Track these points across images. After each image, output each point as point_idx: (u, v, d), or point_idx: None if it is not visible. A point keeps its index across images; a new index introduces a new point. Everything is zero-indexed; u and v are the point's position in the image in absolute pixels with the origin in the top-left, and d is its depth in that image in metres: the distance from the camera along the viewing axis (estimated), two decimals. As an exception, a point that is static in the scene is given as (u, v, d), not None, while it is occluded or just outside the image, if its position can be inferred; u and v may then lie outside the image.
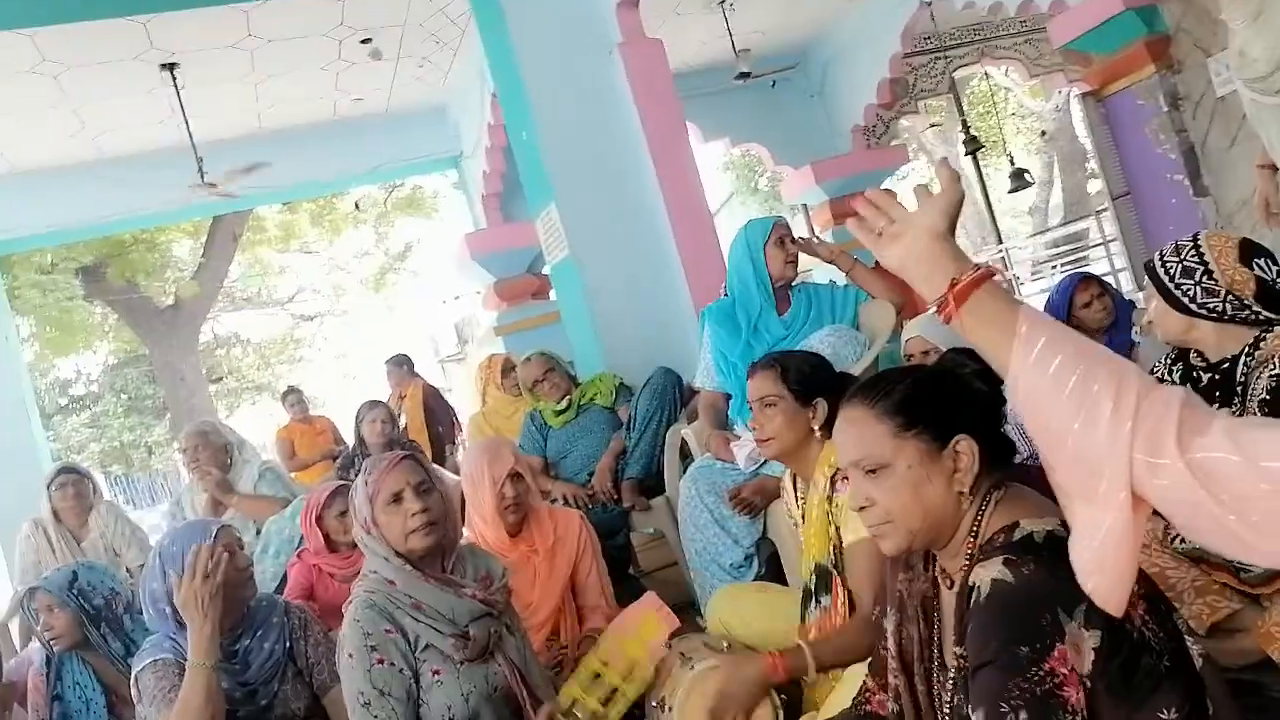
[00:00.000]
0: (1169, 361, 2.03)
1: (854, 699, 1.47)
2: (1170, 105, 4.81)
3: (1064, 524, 1.02)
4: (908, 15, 7.06)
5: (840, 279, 3.19)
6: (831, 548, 1.88)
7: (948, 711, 1.20)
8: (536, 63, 4.54)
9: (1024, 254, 13.61)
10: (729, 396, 3.04)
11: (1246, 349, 1.83)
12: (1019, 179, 10.97)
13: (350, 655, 1.77)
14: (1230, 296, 1.82)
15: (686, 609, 2.80)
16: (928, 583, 1.27)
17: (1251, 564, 1.69)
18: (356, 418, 4.47)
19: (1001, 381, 1.09)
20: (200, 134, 5.81)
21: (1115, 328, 3.23)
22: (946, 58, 8.51)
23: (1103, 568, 0.93)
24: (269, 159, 6.28)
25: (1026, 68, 8.59)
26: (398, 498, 1.88)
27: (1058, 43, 5.32)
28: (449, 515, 1.95)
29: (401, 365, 6.40)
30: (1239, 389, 1.84)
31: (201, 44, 5.16)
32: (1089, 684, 0.97)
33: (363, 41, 5.63)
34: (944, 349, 2.62)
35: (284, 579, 3.03)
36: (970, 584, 1.10)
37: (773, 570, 2.66)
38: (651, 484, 3.51)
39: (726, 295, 3.14)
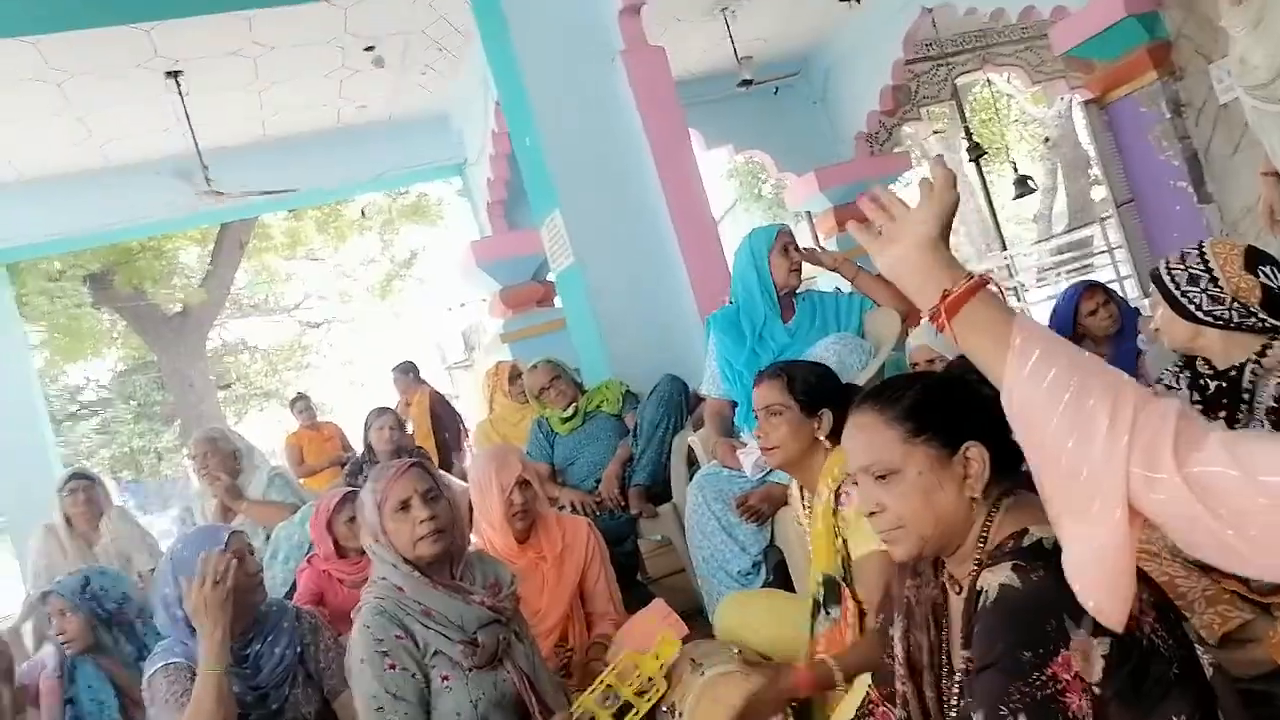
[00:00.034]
0: (1176, 369, 2.04)
1: (857, 710, 1.47)
2: (1173, 112, 4.82)
3: None
4: (909, 22, 7.08)
5: (845, 286, 3.20)
6: (839, 559, 1.89)
7: (954, 716, 1.21)
8: (539, 70, 4.56)
9: (1028, 261, 13.59)
10: (735, 404, 3.05)
11: (1253, 356, 1.84)
12: (1022, 185, 10.97)
13: (362, 660, 1.79)
14: (1236, 304, 1.82)
15: (694, 615, 2.81)
16: (937, 589, 1.28)
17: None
18: (365, 424, 4.49)
19: None
20: (205, 141, 5.84)
21: (1121, 335, 3.23)
22: (948, 64, 8.52)
23: (1101, 586, 0.92)
24: (274, 167, 6.31)
25: (1029, 74, 8.60)
26: (405, 505, 1.90)
27: (1060, 49, 5.33)
28: (457, 522, 1.97)
29: (408, 373, 6.42)
30: (1246, 396, 1.85)
31: (205, 51, 5.19)
32: (1098, 691, 0.98)
33: (366, 49, 5.65)
34: (950, 357, 2.64)
35: (293, 584, 3.04)
36: (978, 589, 1.10)
37: (780, 577, 2.67)
38: (658, 491, 3.52)
39: (731, 303, 3.15)
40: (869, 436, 1.23)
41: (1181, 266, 1.89)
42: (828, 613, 1.93)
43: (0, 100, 5.13)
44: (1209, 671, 1.05)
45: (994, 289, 1.03)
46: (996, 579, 1.07)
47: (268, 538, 3.38)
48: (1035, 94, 10.17)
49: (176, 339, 12.03)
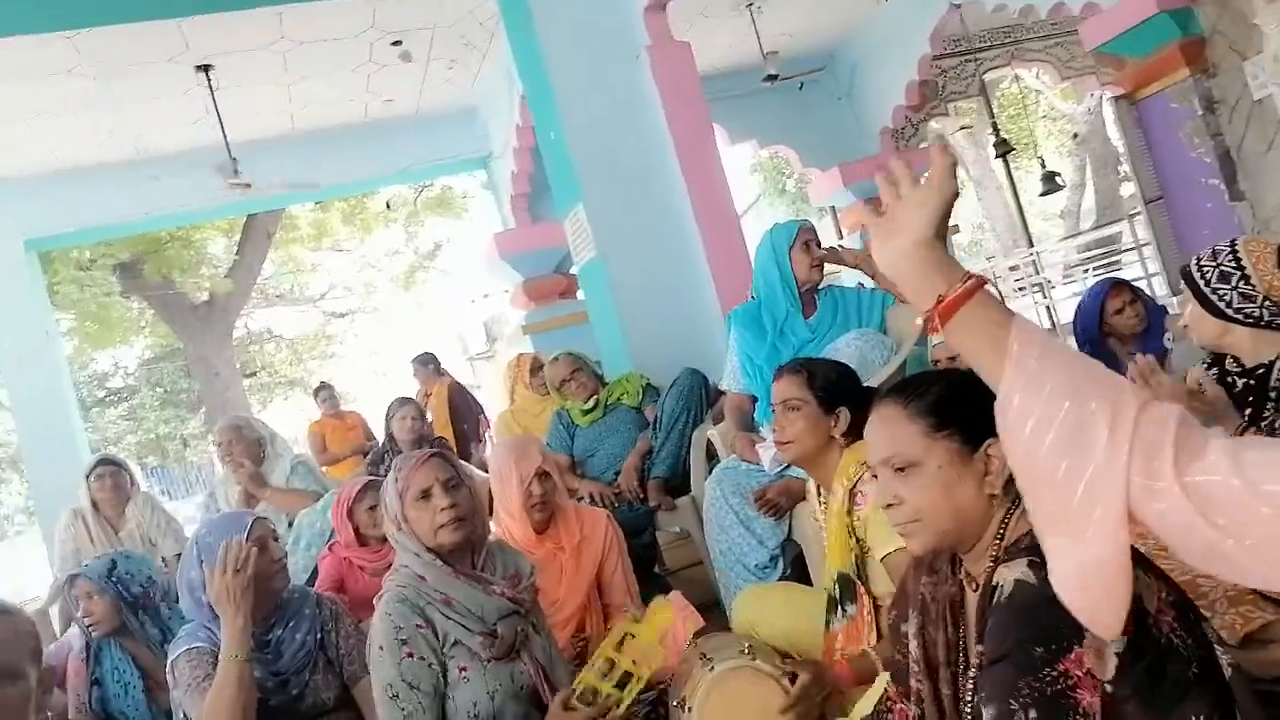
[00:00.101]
0: (1205, 366, 2.02)
1: (875, 707, 1.47)
2: (1205, 109, 4.76)
3: None
4: (937, 17, 7.02)
5: (868, 282, 3.19)
6: (853, 557, 1.89)
7: (970, 713, 1.21)
8: (564, 65, 4.58)
9: (1055, 257, 13.46)
10: (755, 399, 3.04)
11: (1281, 355, 1.82)
12: (1050, 182, 10.87)
13: (380, 648, 1.80)
14: (1267, 302, 1.81)
15: (711, 608, 2.81)
16: (954, 586, 1.28)
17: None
18: (387, 414, 4.53)
19: None
20: (234, 134, 5.91)
21: (1147, 334, 3.20)
22: (976, 60, 8.45)
23: (1097, 597, 0.90)
24: (302, 159, 6.37)
25: (1058, 70, 8.50)
26: (427, 494, 1.91)
27: (1090, 45, 5.27)
28: (477, 511, 1.98)
29: (427, 364, 6.46)
30: (1273, 394, 1.83)
31: (236, 46, 5.25)
32: (1111, 689, 0.97)
33: (393, 44, 5.70)
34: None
35: (314, 571, 3.08)
36: (994, 584, 1.10)
37: (798, 571, 2.67)
38: (677, 484, 3.53)
39: (753, 298, 3.15)
40: (891, 429, 1.23)
41: (1213, 264, 1.88)
42: (844, 610, 1.93)
43: (36, 92, 5.22)
44: (1228, 671, 1.04)
45: (991, 290, 1.00)
46: (1012, 575, 1.07)
47: (290, 525, 3.42)
48: (1064, 90, 10.07)
49: (203, 327, 12.20)
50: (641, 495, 3.56)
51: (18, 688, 1.35)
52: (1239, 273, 1.83)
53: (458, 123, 7.27)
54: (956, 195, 1.02)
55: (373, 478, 3.06)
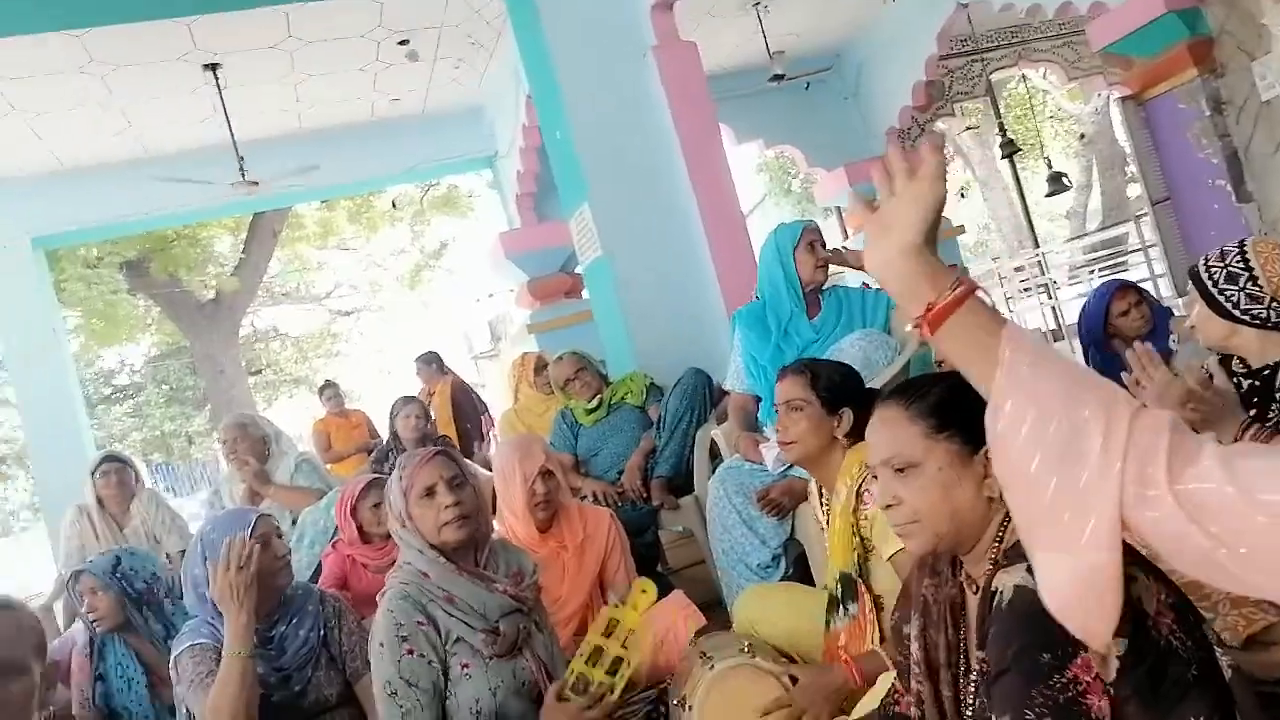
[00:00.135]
0: (1217, 362, 2.02)
1: (882, 700, 1.48)
2: (1213, 109, 4.74)
3: None
4: (944, 17, 7.01)
5: (873, 282, 3.18)
6: (856, 557, 1.89)
7: (971, 715, 1.21)
8: (571, 64, 4.58)
9: (1061, 258, 13.43)
10: (759, 399, 3.04)
11: (1287, 356, 1.82)
12: (1056, 182, 10.84)
13: (381, 644, 1.81)
14: (1275, 304, 1.81)
15: (714, 607, 2.81)
16: (955, 588, 1.28)
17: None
18: (391, 412, 4.54)
19: None
20: (241, 133, 5.93)
21: (1152, 336, 3.19)
22: (983, 60, 8.43)
23: (1089, 607, 0.88)
24: (308, 158, 6.39)
25: (1065, 70, 8.48)
26: (431, 491, 1.91)
27: (1097, 45, 5.26)
28: (481, 509, 1.98)
29: (430, 363, 6.47)
30: (1278, 395, 1.83)
31: (243, 45, 5.27)
32: (1114, 692, 0.97)
33: (400, 43, 5.71)
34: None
35: (318, 569, 3.08)
36: (993, 589, 1.10)
37: (800, 571, 2.67)
38: (680, 483, 3.53)
39: (757, 298, 3.15)
40: (892, 430, 1.23)
41: (1221, 264, 1.87)
42: (846, 610, 1.93)
43: (44, 91, 5.25)
44: (1228, 673, 1.04)
45: (981, 297, 0.98)
46: (1011, 580, 1.07)
47: (294, 522, 3.43)
48: (1071, 90, 10.04)
49: (209, 325, 12.24)
50: (645, 494, 3.56)
51: (21, 683, 1.36)
52: (1247, 273, 1.83)
53: (464, 122, 7.29)
54: (945, 198, 0.99)
55: (376, 475, 3.06)
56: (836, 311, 2.99)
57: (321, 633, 2.16)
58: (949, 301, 0.95)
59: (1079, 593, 0.88)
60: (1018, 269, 11.62)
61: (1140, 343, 1.88)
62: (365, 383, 20.07)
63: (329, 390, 6.95)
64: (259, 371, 17.99)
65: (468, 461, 2.64)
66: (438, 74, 6.37)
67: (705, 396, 3.65)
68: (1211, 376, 1.92)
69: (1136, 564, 1.01)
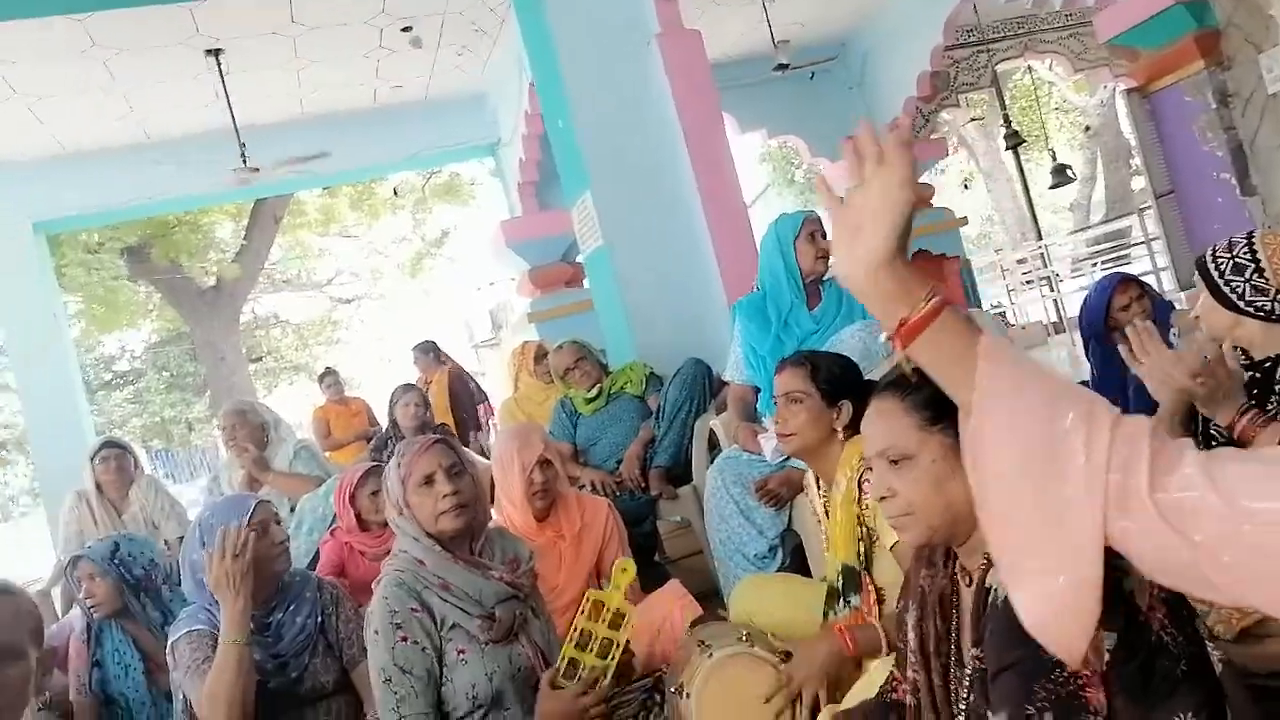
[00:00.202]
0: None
1: (881, 687, 1.49)
2: (1219, 102, 4.72)
3: None
4: (950, 8, 6.97)
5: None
6: (860, 549, 1.89)
7: (964, 708, 1.21)
8: (574, 52, 4.56)
9: (1064, 250, 13.41)
10: (758, 389, 3.04)
11: (1289, 349, 1.81)
12: (1060, 174, 10.82)
13: (376, 631, 1.81)
14: None
15: (710, 597, 2.82)
16: (947, 579, 1.28)
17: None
18: (391, 400, 4.55)
19: None
20: (244, 119, 5.91)
21: (1153, 330, 3.18)
22: (989, 51, 8.40)
23: (1068, 622, 0.86)
24: (310, 145, 6.37)
25: (1071, 62, 8.44)
26: (429, 480, 1.91)
27: (1104, 37, 5.24)
28: (479, 498, 1.98)
29: (428, 352, 6.47)
30: (1277, 388, 1.82)
31: (246, 30, 5.25)
32: (1104, 685, 0.98)
33: (403, 29, 5.68)
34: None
35: (316, 556, 3.09)
36: (987, 585, 1.10)
37: (797, 561, 2.67)
38: (679, 473, 3.54)
39: (757, 289, 3.14)
40: (887, 422, 1.24)
41: (1228, 255, 1.87)
42: (847, 602, 1.93)
43: (47, 75, 5.23)
44: (1218, 667, 1.04)
45: (955, 309, 0.95)
46: None
47: (292, 509, 3.44)
48: (1077, 82, 10.00)
49: (210, 312, 12.23)
50: (643, 484, 3.56)
51: (19, 668, 1.36)
52: (1254, 265, 1.82)
53: (467, 109, 7.26)
54: (914, 205, 0.94)
55: (375, 463, 3.07)
56: (837, 303, 2.98)
57: (319, 620, 2.17)
58: (924, 315, 0.93)
59: (1056, 610, 0.85)
60: (1020, 261, 11.60)
61: (1141, 321, 1.88)
62: (365, 370, 20.11)
63: (329, 378, 6.95)
64: (259, 358, 18.00)
65: (466, 450, 2.63)
66: (440, 61, 6.35)
67: (704, 387, 3.65)
68: (1226, 359, 1.92)
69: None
